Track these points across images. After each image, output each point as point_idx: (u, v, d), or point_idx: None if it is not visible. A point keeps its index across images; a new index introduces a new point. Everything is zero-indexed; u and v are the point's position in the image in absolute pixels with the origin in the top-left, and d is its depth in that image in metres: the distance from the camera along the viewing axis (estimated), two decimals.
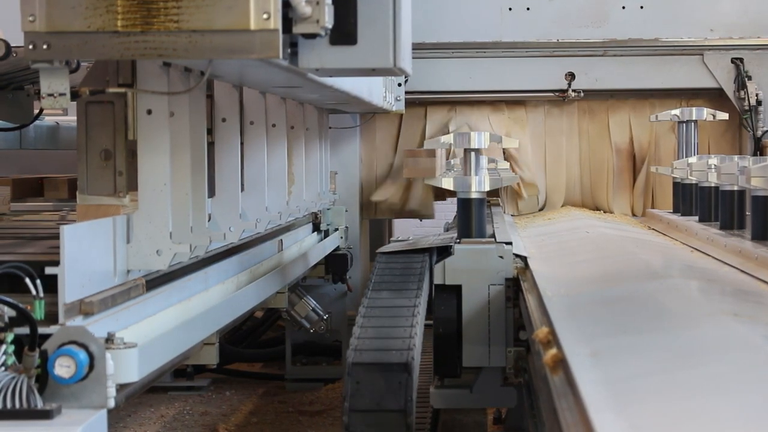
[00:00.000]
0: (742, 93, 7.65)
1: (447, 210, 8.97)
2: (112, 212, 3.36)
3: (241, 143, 4.63)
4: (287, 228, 5.85)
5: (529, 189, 7.83)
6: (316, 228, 6.79)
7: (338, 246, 7.16)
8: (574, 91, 7.82)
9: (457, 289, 4.68)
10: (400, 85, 7.46)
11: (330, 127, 7.49)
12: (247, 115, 4.76)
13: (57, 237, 2.96)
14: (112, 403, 2.87)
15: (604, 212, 7.88)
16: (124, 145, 3.47)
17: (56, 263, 2.94)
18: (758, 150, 7.65)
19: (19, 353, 2.84)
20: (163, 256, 3.43)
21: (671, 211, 6.90)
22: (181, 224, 3.53)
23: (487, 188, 4.91)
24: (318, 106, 6.46)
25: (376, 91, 6.17)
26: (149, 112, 3.42)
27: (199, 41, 2.80)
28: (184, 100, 3.52)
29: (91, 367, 2.84)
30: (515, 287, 4.66)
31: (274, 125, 5.14)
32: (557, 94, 7.88)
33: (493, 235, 5.09)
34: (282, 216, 5.25)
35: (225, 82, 4.31)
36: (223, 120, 4.35)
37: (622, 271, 4.36)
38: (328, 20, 2.96)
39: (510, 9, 7.84)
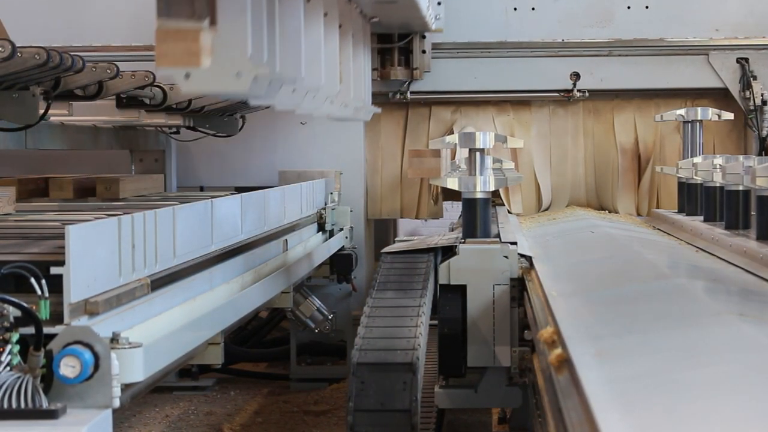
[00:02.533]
0: (747, 93, 7.65)
1: (451, 210, 8.97)
2: (192, 36, 3.28)
3: None
4: (292, 228, 5.85)
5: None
6: (321, 228, 6.79)
7: (343, 246, 7.16)
8: (579, 91, 7.82)
9: (461, 289, 4.68)
10: (439, 3, 7.50)
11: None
12: None
13: (62, 237, 2.96)
14: (117, 403, 2.87)
15: (609, 212, 7.88)
16: None
17: (61, 263, 2.95)
18: (763, 150, 7.65)
19: (24, 353, 2.84)
20: (243, 79, 3.34)
21: (676, 210, 6.90)
22: (259, 49, 3.43)
23: (492, 188, 4.91)
24: (363, 11, 6.29)
25: None
26: None
27: None
28: None
29: (96, 366, 2.84)
30: (520, 287, 4.65)
31: (326, 14, 4.97)
32: (562, 94, 7.88)
33: (497, 235, 5.09)
34: (334, 103, 5.01)
35: None
36: None
37: (627, 271, 4.35)
38: None
39: (515, 9, 7.84)
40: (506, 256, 4.69)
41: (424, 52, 7.73)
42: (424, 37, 7.72)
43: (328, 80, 4.94)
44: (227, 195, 5.31)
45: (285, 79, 3.78)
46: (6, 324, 2.84)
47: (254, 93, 3.45)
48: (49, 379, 2.82)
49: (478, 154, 4.88)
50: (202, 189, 7.90)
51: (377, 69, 7.71)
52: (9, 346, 2.83)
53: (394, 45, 7.70)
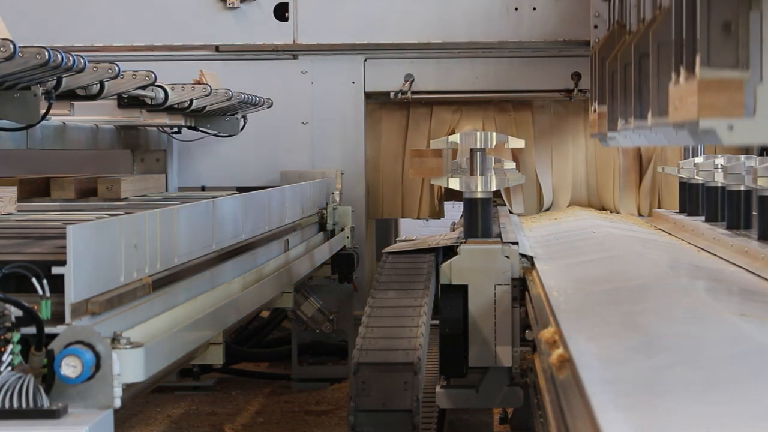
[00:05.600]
0: None
1: (452, 210, 8.97)
2: (735, 86, 3.19)
3: None
4: (293, 228, 5.85)
5: None
6: (322, 228, 6.79)
7: (344, 246, 7.16)
8: (580, 90, 7.81)
9: (463, 289, 4.68)
10: None
11: None
12: None
13: (63, 237, 2.96)
14: (118, 403, 2.87)
15: (611, 212, 7.88)
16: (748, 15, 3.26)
17: (63, 263, 2.95)
18: (764, 150, 7.64)
19: (25, 353, 2.84)
20: None
21: (677, 211, 6.90)
22: None
23: (494, 188, 4.91)
24: None
25: None
26: None
27: None
28: None
29: (98, 366, 2.84)
30: (521, 287, 4.66)
31: None
32: (563, 94, 7.88)
33: (499, 235, 5.09)
34: None
35: None
36: None
37: (628, 270, 4.35)
38: None
39: (516, 9, 7.83)
40: (507, 256, 4.69)
41: None
42: None
43: None
44: (228, 195, 5.31)
45: None
46: (7, 324, 2.83)
47: None
48: (50, 379, 2.82)
49: (479, 154, 4.88)
50: (203, 189, 7.91)
51: None
52: (10, 346, 2.82)
53: None
